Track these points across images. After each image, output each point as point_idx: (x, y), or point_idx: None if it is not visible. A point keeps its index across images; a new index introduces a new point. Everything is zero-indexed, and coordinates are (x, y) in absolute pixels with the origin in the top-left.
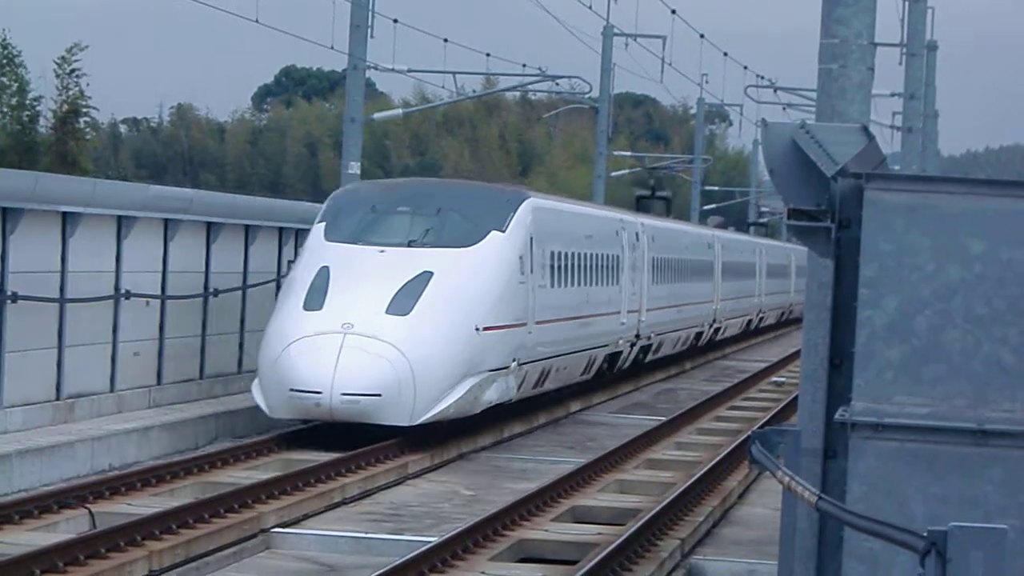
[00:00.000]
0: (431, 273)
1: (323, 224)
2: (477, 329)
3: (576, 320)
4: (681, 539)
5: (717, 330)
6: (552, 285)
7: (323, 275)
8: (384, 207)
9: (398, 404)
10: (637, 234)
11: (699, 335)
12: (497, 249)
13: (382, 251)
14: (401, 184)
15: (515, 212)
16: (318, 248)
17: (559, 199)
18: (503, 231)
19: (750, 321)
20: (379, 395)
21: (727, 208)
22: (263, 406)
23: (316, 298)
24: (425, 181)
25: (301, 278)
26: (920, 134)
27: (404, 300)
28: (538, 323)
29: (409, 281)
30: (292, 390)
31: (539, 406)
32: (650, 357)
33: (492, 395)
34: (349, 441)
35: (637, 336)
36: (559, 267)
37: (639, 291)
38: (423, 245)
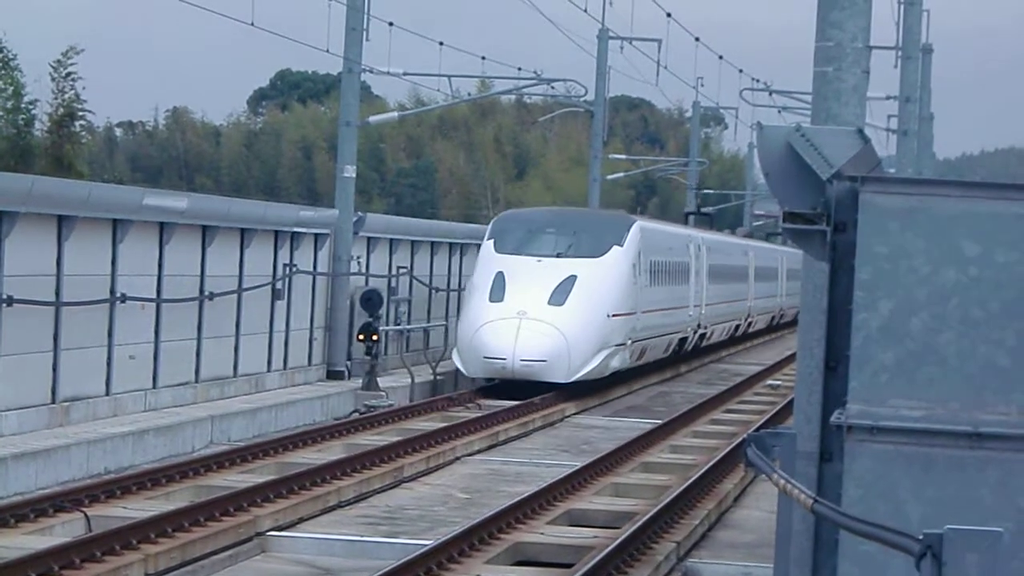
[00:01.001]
0: (575, 276)
1: (492, 241)
2: (608, 316)
3: (664, 311)
4: (677, 542)
5: (750, 323)
6: (651, 285)
7: (500, 278)
8: (536, 228)
9: (558, 366)
10: (698, 246)
11: (737, 327)
12: (618, 259)
13: (539, 260)
14: (545, 211)
15: (629, 231)
16: (491, 258)
17: (654, 221)
18: (621, 246)
19: (773, 317)
20: (545, 360)
21: (722, 212)
22: (462, 369)
23: (497, 293)
24: (562, 209)
25: (483, 280)
26: (915, 137)
27: (559, 295)
28: (643, 312)
29: (561, 282)
30: (485, 357)
31: (534, 410)
32: (705, 343)
33: (615, 363)
34: (524, 391)
35: (698, 326)
36: (655, 272)
37: (700, 290)
38: (567, 256)
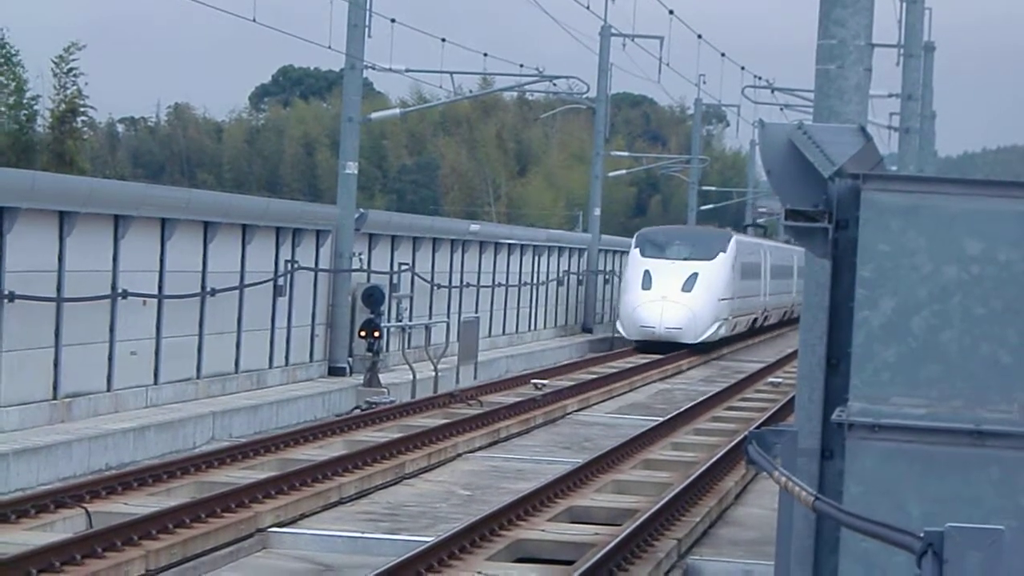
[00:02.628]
0: (697, 273)
1: (638, 249)
2: (718, 299)
3: (749, 298)
4: (678, 539)
5: (793, 311)
6: (742, 279)
7: (647, 274)
8: (668, 240)
9: (689, 332)
10: (765, 251)
11: (785, 313)
12: (724, 261)
13: (672, 262)
14: (673, 229)
15: (729, 242)
16: (639, 261)
17: (743, 234)
18: (725, 252)
19: None
20: (681, 328)
21: (723, 209)
22: (623, 334)
23: (647, 284)
24: (683, 227)
25: (635, 275)
26: (917, 135)
27: (688, 285)
28: (737, 298)
29: (688, 276)
30: (641, 326)
31: (536, 406)
32: (767, 323)
33: (723, 332)
34: (666, 349)
35: (764, 310)
36: (744, 270)
37: (766, 284)
38: (691, 259)
